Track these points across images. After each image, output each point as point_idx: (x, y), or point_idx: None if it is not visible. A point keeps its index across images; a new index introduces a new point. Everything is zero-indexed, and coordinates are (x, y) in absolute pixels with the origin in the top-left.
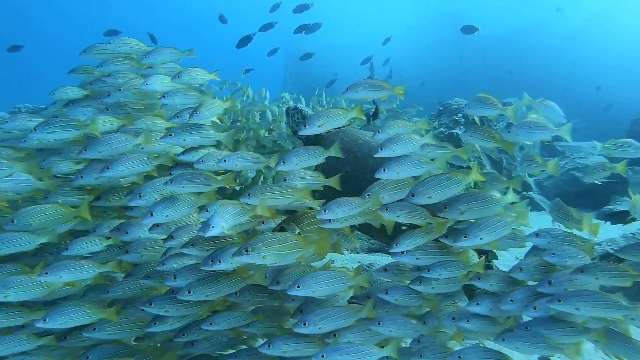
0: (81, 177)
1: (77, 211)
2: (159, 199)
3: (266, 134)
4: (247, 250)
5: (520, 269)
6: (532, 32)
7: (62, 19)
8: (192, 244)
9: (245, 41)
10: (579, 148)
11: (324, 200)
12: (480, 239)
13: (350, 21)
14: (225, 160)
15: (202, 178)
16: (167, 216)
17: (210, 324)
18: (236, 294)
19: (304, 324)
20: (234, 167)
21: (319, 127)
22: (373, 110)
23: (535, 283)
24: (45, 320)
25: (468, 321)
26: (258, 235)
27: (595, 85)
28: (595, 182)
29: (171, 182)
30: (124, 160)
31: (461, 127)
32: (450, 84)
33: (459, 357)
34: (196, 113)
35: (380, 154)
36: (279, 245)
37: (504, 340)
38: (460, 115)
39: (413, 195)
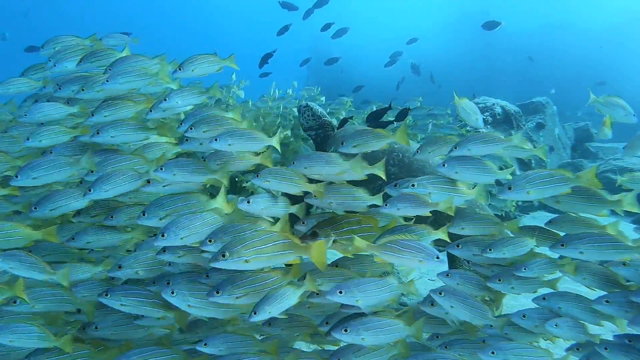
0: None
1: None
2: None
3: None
4: (224, 255)
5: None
6: (562, 30)
7: (69, 20)
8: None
9: (266, 58)
10: (613, 149)
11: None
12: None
13: (373, 20)
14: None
15: (196, 166)
16: (182, 238)
17: (205, 344)
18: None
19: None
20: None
21: (353, 147)
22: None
23: None
24: None
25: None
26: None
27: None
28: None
29: (161, 169)
30: (110, 179)
31: (488, 126)
32: (478, 83)
33: (492, 352)
34: (165, 100)
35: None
36: (263, 246)
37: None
38: (488, 114)
39: (510, 188)
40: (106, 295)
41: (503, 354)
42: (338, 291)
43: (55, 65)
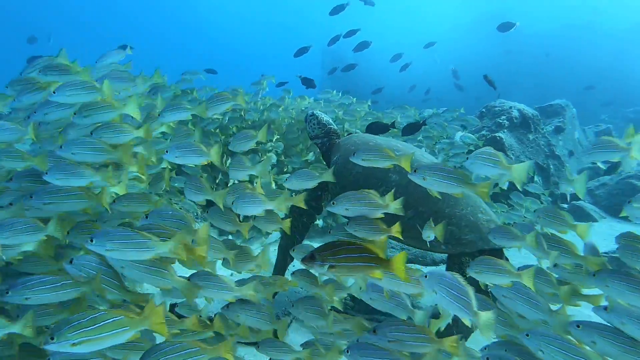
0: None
1: None
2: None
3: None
4: (52, 338)
5: None
6: (584, 31)
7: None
8: None
9: (302, 51)
10: None
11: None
12: None
13: (389, 23)
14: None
15: (99, 146)
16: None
17: None
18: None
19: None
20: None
21: (362, 160)
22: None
23: None
24: None
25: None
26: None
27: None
28: None
29: (60, 147)
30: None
31: (505, 130)
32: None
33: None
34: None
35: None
36: (92, 327)
37: None
38: (504, 117)
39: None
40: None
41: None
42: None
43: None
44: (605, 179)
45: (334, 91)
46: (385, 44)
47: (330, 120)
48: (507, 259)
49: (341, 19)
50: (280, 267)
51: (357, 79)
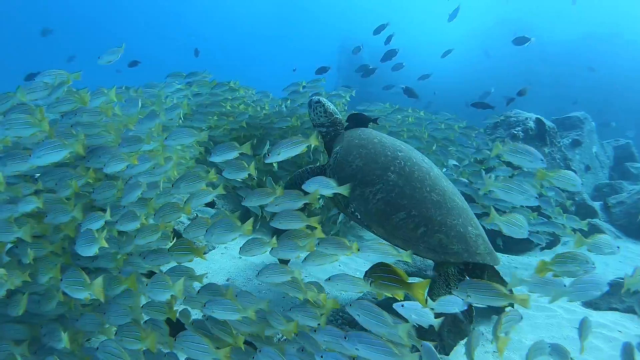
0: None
1: None
2: None
3: None
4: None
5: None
6: (606, 40)
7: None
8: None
9: (390, 55)
10: None
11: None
12: None
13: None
14: None
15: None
16: None
17: None
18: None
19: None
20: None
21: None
22: None
23: None
24: None
25: None
26: None
27: None
28: None
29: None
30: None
31: (520, 142)
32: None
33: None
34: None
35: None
36: None
37: None
38: (520, 129)
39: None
40: None
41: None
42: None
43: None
44: (622, 197)
45: (348, 90)
46: (404, 47)
47: (336, 110)
48: (498, 274)
49: (357, 21)
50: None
51: (372, 81)
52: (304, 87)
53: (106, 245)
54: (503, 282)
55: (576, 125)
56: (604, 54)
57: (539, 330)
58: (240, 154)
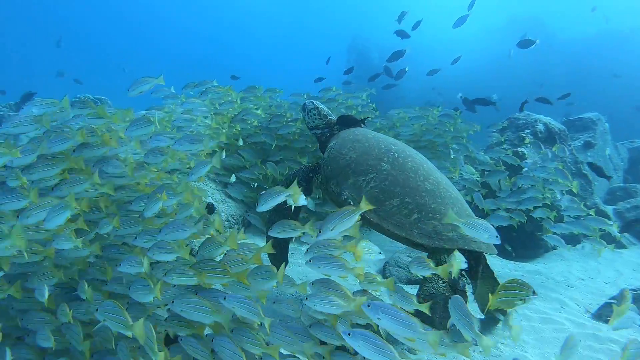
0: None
1: None
2: None
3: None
4: None
5: None
6: (623, 37)
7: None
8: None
9: (397, 55)
10: None
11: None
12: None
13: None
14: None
15: None
16: None
17: None
18: None
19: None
20: None
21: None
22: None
23: None
24: None
25: None
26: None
27: None
28: None
29: None
30: None
31: (528, 145)
32: (525, 95)
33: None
34: None
35: None
36: None
37: None
38: (528, 131)
39: None
40: None
41: None
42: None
43: None
44: (637, 201)
45: (334, 87)
46: (415, 47)
47: (330, 111)
48: (492, 273)
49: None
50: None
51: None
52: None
53: (159, 297)
54: (496, 283)
55: (588, 127)
56: (621, 52)
57: (545, 345)
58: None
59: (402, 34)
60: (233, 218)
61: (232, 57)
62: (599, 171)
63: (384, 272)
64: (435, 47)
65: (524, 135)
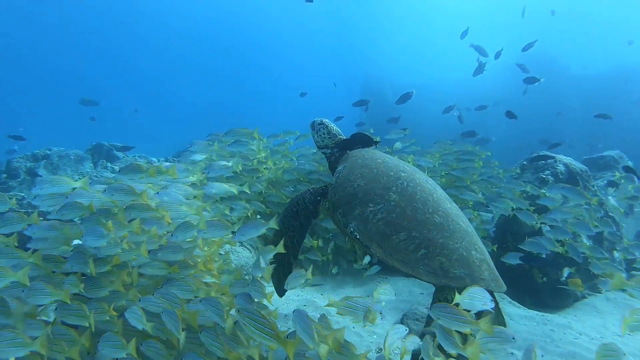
0: None
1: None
2: None
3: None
4: None
5: None
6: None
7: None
8: None
9: (405, 98)
10: None
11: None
12: None
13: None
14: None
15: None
16: None
17: None
18: None
19: None
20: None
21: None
22: None
23: None
24: None
25: None
26: None
27: None
28: None
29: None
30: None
31: (548, 187)
32: (540, 132)
33: None
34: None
35: None
36: None
37: None
38: (549, 172)
39: None
40: None
41: None
42: None
43: None
44: None
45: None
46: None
47: (340, 130)
48: (497, 304)
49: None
50: (277, 266)
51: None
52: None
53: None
54: (502, 319)
55: (611, 165)
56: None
57: None
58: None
59: (405, 97)
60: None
61: (247, 98)
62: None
63: (401, 323)
64: (448, 82)
65: (544, 176)
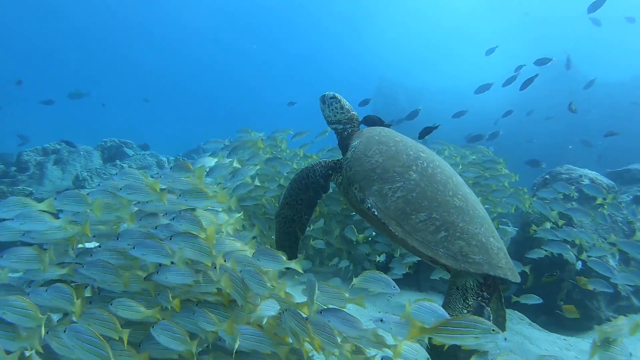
0: None
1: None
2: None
3: None
4: None
5: None
6: None
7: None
8: None
9: (413, 115)
10: None
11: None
12: None
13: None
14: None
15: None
16: None
17: None
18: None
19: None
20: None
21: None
22: None
23: None
24: None
25: None
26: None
27: None
28: None
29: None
30: None
31: (574, 203)
32: (562, 144)
33: None
34: None
35: None
36: None
37: None
38: (573, 188)
39: None
40: None
41: None
42: None
43: None
44: None
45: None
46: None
47: (351, 106)
48: (501, 295)
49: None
50: (283, 238)
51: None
52: None
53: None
54: (502, 307)
55: (637, 179)
56: None
57: None
58: None
59: (413, 114)
60: None
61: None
62: None
63: None
64: (463, 88)
65: (568, 193)
